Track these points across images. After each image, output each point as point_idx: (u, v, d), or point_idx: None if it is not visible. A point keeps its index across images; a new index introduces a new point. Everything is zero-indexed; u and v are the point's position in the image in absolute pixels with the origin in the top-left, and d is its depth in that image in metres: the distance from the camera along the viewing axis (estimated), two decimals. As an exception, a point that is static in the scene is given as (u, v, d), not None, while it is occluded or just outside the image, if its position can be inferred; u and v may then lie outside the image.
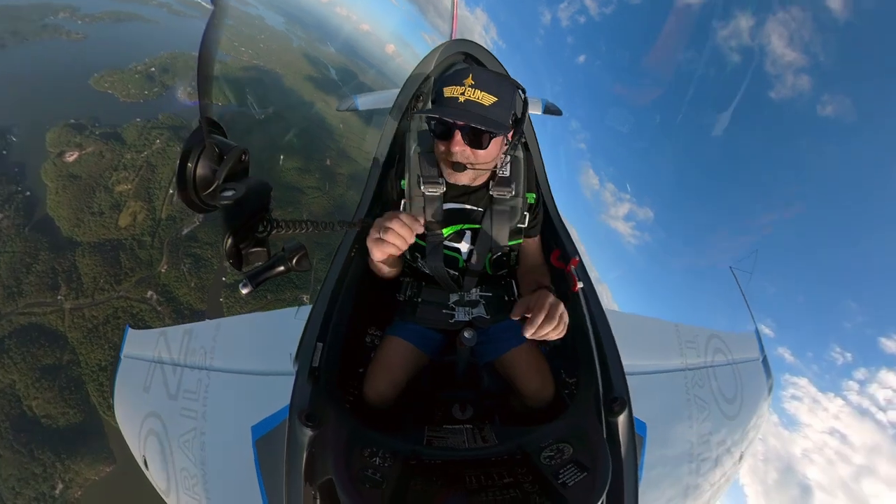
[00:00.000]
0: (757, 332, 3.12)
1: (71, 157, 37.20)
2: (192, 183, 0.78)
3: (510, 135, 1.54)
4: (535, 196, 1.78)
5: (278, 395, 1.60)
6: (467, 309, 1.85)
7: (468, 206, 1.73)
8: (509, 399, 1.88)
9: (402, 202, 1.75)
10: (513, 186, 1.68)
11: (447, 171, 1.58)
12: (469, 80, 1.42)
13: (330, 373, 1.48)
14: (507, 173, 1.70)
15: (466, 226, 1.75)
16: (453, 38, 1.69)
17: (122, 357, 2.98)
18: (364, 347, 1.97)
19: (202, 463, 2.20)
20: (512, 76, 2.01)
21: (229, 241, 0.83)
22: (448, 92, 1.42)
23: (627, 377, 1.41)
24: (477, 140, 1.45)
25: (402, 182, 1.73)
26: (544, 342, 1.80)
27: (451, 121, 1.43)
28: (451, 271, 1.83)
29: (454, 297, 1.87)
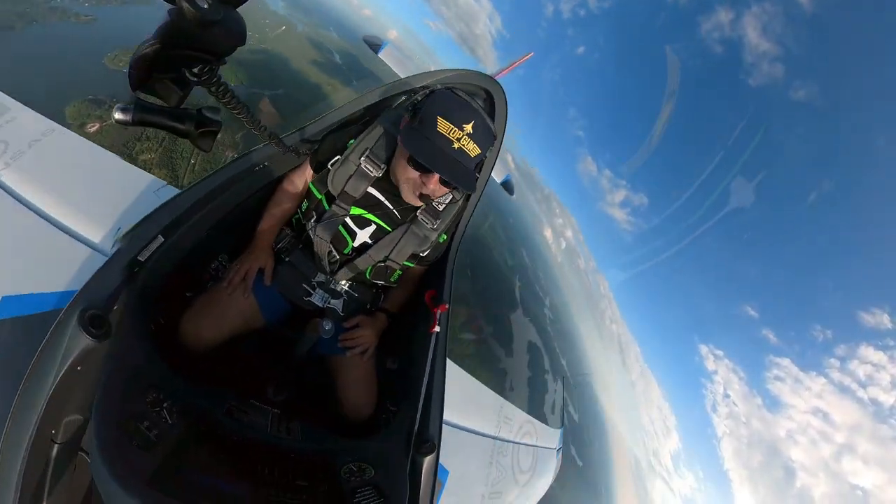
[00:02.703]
0: (563, 430, 3.51)
1: (93, 128, 38.34)
2: None
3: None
4: (445, 238, 1.86)
5: (68, 270, 1.24)
6: (327, 296, 1.77)
7: (389, 206, 1.69)
8: (327, 401, 1.80)
9: (336, 157, 1.66)
10: (437, 223, 1.72)
11: (405, 191, 1.56)
12: (469, 128, 1.39)
13: (152, 278, 1.20)
14: (441, 209, 1.72)
15: (373, 218, 1.70)
16: (496, 77, 1.91)
17: None
18: (206, 272, 1.74)
19: None
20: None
21: (153, 49, 0.58)
22: (443, 127, 1.38)
23: (444, 426, 1.45)
24: (450, 184, 1.51)
25: (351, 142, 1.66)
26: (382, 364, 1.91)
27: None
28: (334, 251, 1.73)
29: (321, 277, 1.77)
